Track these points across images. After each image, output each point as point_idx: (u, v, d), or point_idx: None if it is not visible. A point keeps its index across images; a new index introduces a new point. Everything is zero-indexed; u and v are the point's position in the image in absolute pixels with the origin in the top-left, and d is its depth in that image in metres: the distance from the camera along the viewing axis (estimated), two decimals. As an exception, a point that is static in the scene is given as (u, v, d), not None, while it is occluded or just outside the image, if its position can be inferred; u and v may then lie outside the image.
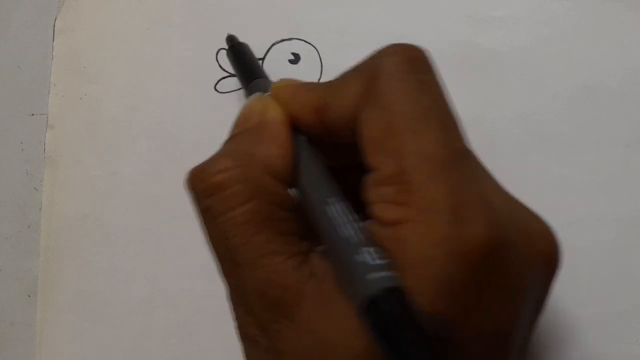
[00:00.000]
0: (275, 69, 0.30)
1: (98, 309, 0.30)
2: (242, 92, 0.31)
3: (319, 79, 0.30)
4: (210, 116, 0.30)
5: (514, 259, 0.17)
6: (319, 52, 0.30)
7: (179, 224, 0.30)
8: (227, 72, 0.31)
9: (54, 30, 0.32)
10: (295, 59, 0.30)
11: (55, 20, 0.32)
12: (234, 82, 0.31)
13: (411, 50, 0.19)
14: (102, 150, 0.31)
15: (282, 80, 0.23)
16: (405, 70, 0.18)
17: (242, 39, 0.31)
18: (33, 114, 0.32)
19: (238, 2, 0.31)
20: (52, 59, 0.32)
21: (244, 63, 0.28)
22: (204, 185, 0.19)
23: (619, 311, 0.27)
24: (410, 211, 0.16)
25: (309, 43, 0.30)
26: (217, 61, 0.31)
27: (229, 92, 0.31)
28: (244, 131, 0.21)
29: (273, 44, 0.31)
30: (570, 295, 0.27)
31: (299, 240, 0.18)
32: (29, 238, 0.31)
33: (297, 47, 0.31)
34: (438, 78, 0.19)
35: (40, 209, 0.31)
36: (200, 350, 0.29)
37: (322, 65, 0.30)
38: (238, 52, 0.28)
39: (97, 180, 0.31)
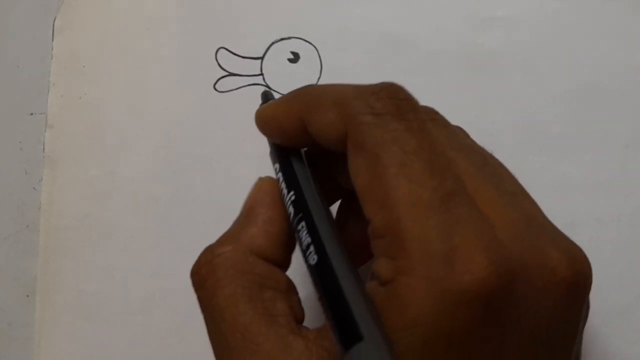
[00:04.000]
0: (275, 68, 0.30)
1: (97, 309, 0.30)
2: (241, 91, 0.31)
3: (319, 78, 0.30)
4: (209, 115, 0.30)
5: (530, 294, 0.16)
6: (319, 51, 0.30)
7: (178, 223, 0.30)
8: (226, 71, 0.31)
9: (53, 29, 0.32)
10: (295, 58, 0.30)
11: (55, 19, 0.32)
12: (233, 82, 0.31)
13: (392, 92, 0.18)
14: (102, 149, 0.31)
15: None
16: (387, 117, 0.17)
17: (241, 38, 0.31)
18: (32, 114, 0.32)
19: (237, 2, 0.31)
20: (52, 58, 0.32)
21: None
22: (195, 279, 0.19)
23: (619, 311, 0.27)
24: (404, 264, 0.15)
25: (308, 42, 0.30)
26: (217, 61, 0.31)
27: (228, 91, 0.31)
28: (238, 216, 0.21)
29: (272, 43, 0.31)
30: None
31: (288, 320, 0.18)
32: (27, 238, 0.31)
33: (296, 46, 0.30)
34: (422, 115, 0.18)
35: (39, 208, 0.31)
36: (200, 350, 0.29)
37: (321, 64, 0.30)
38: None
39: (96, 180, 0.31)
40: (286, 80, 0.30)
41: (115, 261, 0.30)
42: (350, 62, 0.30)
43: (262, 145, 0.30)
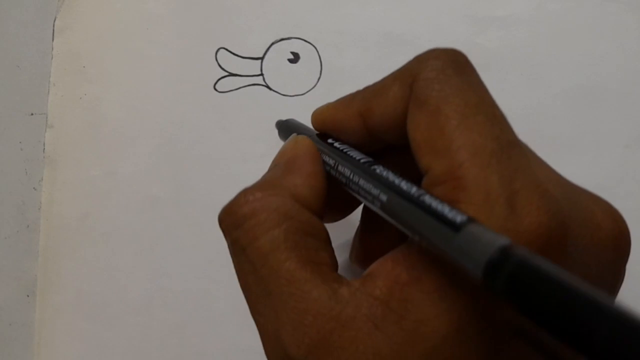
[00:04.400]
0: (275, 68, 0.30)
1: (97, 309, 0.30)
2: (241, 91, 0.31)
3: (319, 79, 0.30)
4: (209, 115, 0.30)
5: (578, 247, 0.16)
6: (319, 51, 0.30)
7: (178, 223, 0.30)
8: (226, 71, 0.31)
9: (53, 30, 0.32)
10: (295, 58, 0.30)
11: (55, 20, 0.32)
12: (233, 82, 0.31)
13: (452, 54, 0.18)
14: (102, 149, 0.31)
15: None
16: (449, 72, 0.18)
17: (241, 38, 0.31)
18: (32, 114, 0.32)
19: (238, 2, 0.31)
20: (52, 58, 0.32)
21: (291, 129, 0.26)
22: (230, 219, 0.19)
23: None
24: (466, 207, 0.16)
25: (308, 42, 0.30)
26: (217, 61, 0.31)
27: (228, 91, 0.31)
28: (274, 166, 0.21)
29: (272, 43, 0.31)
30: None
31: (331, 269, 0.18)
32: (28, 238, 0.31)
33: (296, 46, 0.30)
34: (480, 78, 0.18)
35: (39, 208, 0.31)
36: (200, 350, 0.29)
37: (321, 65, 0.30)
38: (286, 126, 0.26)
39: (96, 180, 0.31)
40: (286, 80, 0.30)
41: (115, 261, 0.30)
42: (350, 62, 0.30)
43: (262, 145, 0.30)
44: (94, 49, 0.32)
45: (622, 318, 0.11)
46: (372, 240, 0.24)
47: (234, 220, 0.18)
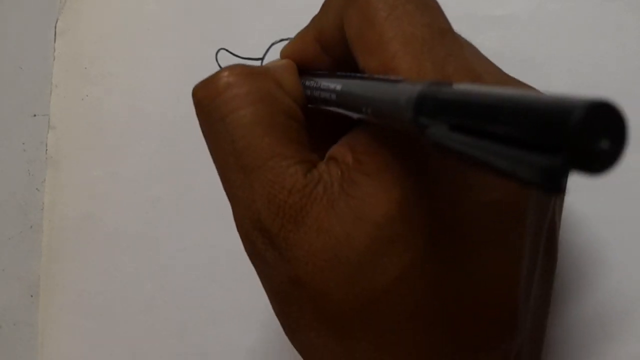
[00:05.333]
0: (275, 69, 0.31)
1: (99, 309, 0.30)
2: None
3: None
4: (210, 117, 0.31)
5: None
6: (318, 52, 0.30)
7: (180, 223, 0.30)
8: (227, 72, 0.31)
9: (55, 31, 0.32)
10: (295, 59, 0.30)
11: (57, 21, 0.32)
12: (234, 83, 0.31)
13: None
14: (104, 150, 0.31)
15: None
16: None
17: (241, 38, 0.31)
18: (35, 115, 0.32)
19: (238, 2, 0.31)
20: (54, 60, 0.32)
21: None
22: (210, 89, 0.18)
23: (619, 311, 0.27)
24: None
25: (308, 43, 0.30)
26: (217, 61, 0.31)
27: (229, 92, 0.31)
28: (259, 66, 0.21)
29: (273, 44, 0.31)
30: (569, 295, 0.27)
31: (308, 150, 0.18)
32: (31, 238, 0.31)
33: (296, 47, 0.31)
34: None
35: (42, 209, 0.31)
36: (201, 350, 0.29)
37: (320, 66, 0.30)
38: None
39: (98, 181, 0.31)
40: (286, 81, 0.30)
41: (118, 261, 0.30)
42: (350, 63, 0.30)
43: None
44: (95, 50, 0.32)
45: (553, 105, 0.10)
46: None
47: (214, 89, 0.18)
